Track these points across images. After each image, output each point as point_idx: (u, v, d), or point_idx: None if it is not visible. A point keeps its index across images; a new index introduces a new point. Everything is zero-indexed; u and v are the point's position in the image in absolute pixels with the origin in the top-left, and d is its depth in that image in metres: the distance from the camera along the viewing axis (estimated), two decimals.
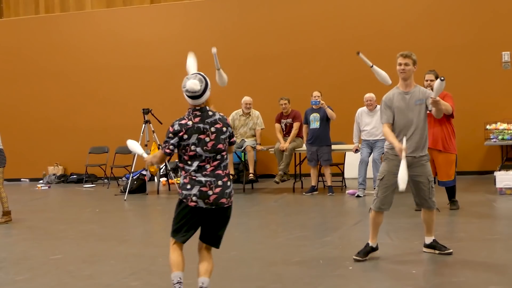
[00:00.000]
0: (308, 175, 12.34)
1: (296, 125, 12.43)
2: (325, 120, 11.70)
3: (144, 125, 12.68)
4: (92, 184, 15.54)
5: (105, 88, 16.49)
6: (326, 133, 11.80)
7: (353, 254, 6.34)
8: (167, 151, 4.88)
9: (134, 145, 5.54)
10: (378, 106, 11.22)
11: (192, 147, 4.81)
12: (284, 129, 12.72)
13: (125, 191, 12.46)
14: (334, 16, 15.04)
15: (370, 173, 11.12)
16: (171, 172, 13.61)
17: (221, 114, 5.01)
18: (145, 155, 5.29)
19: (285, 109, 12.68)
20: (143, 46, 16.26)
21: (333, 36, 14.97)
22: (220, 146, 4.88)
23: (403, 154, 5.83)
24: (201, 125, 4.85)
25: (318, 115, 11.72)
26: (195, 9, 16.22)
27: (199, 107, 4.90)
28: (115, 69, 16.42)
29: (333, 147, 12.05)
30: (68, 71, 16.73)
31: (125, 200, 12.08)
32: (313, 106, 11.80)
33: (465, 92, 13.29)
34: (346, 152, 12.85)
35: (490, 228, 8.05)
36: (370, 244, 6.42)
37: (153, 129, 12.72)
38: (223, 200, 4.86)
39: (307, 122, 11.89)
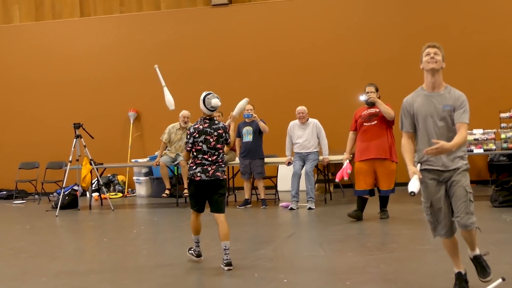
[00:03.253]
0: (242, 188, 12.41)
1: None
2: (257, 133, 11.78)
3: (75, 139, 12.45)
4: (22, 200, 15.20)
5: (35, 103, 16.19)
6: (259, 146, 11.87)
7: (287, 266, 6.36)
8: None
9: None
10: (310, 119, 11.39)
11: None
12: None
13: (57, 207, 12.25)
14: (265, 30, 15.20)
15: (303, 186, 11.23)
16: (103, 187, 13.41)
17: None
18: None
19: None
20: (73, 60, 16.05)
21: (264, 50, 15.14)
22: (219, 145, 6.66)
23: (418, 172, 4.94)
24: (208, 129, 6.60)
25: (251, 128, 11.78)
26: (127, 22, 16.11)
27: (209, 117, 6.66)
28: (44, 84, 16.14)
29: (266, 160, 12.14)
30: None
31: (56, 216, 11.86)
32: (246, 120, 11.86)
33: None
34: (279, 165, 12.96)
35: (420, 238, 8.20)
36: (462, 272, 5.33)
37: (84, 144, 12.46)
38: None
39: (240, 135, 11.92)
